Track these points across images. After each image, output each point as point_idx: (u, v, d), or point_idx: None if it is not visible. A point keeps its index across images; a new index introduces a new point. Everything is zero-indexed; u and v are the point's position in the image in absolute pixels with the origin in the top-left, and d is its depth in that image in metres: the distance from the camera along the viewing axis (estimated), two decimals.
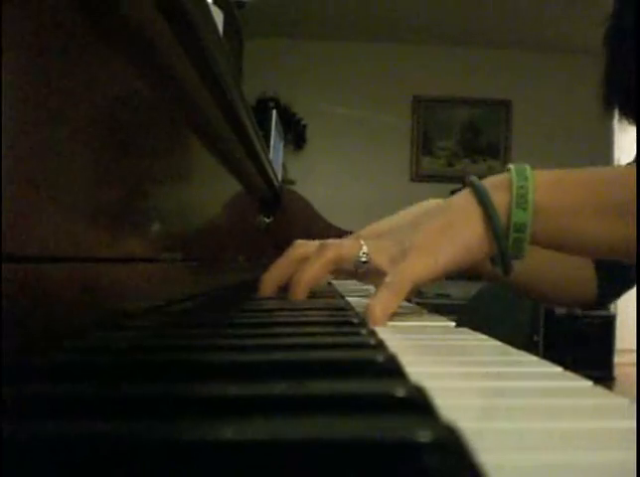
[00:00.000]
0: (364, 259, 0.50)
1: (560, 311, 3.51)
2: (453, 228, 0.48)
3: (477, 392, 0.24)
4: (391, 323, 0.45)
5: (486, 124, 4.23)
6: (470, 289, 1.78)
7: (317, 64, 4.15)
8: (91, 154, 0.35)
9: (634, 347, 3.09)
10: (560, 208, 0.47)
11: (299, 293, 0.52)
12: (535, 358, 0.30)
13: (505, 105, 4.21)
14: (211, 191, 0.73)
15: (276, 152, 3.04)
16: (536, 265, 0.71)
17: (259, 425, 0.15)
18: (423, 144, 4.23)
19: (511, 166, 0.48)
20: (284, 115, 3.77)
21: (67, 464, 0.13)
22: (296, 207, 1.41)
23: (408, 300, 0.57)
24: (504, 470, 0.14)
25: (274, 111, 3.07)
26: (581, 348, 3.47)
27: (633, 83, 0.67)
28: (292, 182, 3.70)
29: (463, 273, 0.53)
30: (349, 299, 0.63)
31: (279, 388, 0.19)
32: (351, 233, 0.67)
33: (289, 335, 0.33)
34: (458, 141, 4.23)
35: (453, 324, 0.46)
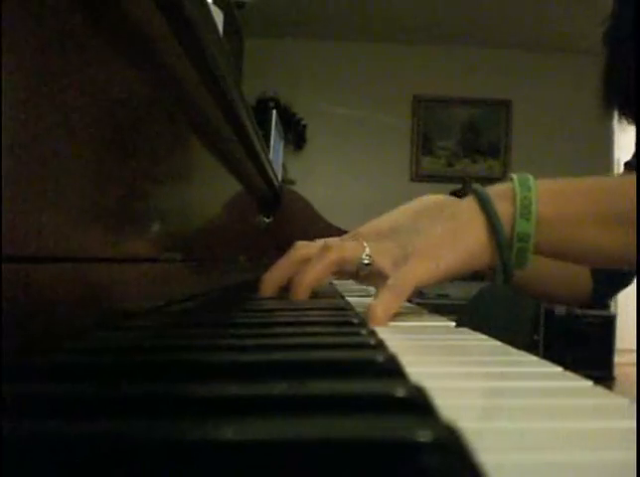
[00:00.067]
0: (366, 262, 0.50)
1: (559, 311, 3.51)
2: (456, 234, 0.48)
3: (477, 392, 0.24)
4: (391, 323, 0.45)
5: (486, 124, 4.23)
6: (470, 289, 1.78)
7: (317, 64, 4.15)
8: (91, 154, 0.35)
9: (634, 347, 3.09)
10: (562, 218, 0.48)
11: (300, 294, 0.52)
12: (535, 358, 0.30)
13: (505, 105, 4.21)
14: (211, 191, 0.73)
15: (276, 152, 3.04)
16: (534, 265, 0.72)
17: (259, 425, 0.15)
18: (423, 144, 4.23)
19: (513, 176, 0.49)
20: (284, 115, 3.77)
21: (67, 464, 0.13)
22: (296, 207, 1.41)
23: (409, 300, 0.57)
24: (504, 470, 0.14)
25: (274, 111, 3.07)
26: (581, 348, 3.47)
27: (632, 83, 0.67)
28: (292, 182, 3.70)
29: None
30: (349, 299, 0.63)
31: (279, 388, 0.19)
32: None
33: (289, 335, 0.33)
34: (458, 141, 4.23)
35: (453, 324, 0.46)
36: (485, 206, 0.48)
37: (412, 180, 4.19)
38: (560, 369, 0.27)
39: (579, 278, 0.78)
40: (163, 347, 0.30)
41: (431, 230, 0.49)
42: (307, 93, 4.10)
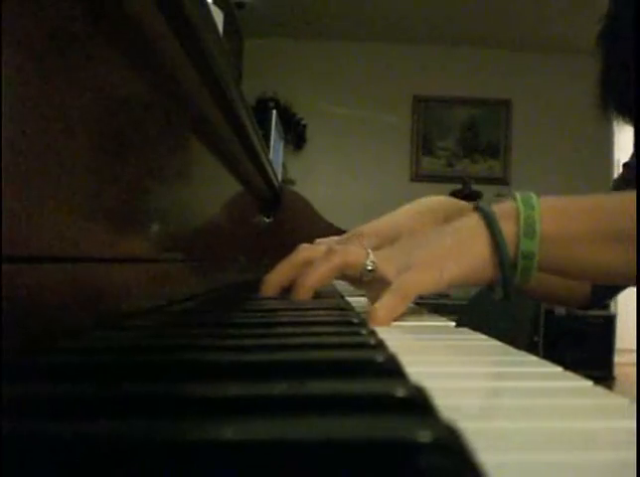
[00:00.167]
0: (370, 268, 0.50)
1: (559, 311, 3.51)
2: (461, 248, 0.49)
3: (477, 392, 0.24)
4: (391, 323, 0.45)
5: (486, 124, 4.23)
6: (470, 289, 1.78)
7: (317, 64, 4.15)
8: (91, 154, 0.35)
9: (634, 347, 3.09)
10: (564, 236, 0.49)
11: (302, 295, 0.52)
12: (535, 358, 0.30)
13: (505, 105, 4.21)
14: (211, 191, 0.73)
15: (276, 152, 3.04)
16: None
17: (260, 425, 0.15)
18: (423, 144, 4.23)
19: (517, 194, 0.50)
20: (284, 115, 3.77)
21: (66, 464, 0.13)
22: (296, 207, 1.41)
23: None
24: (504, 470, 0.14)
25: (274, 111, 3.07)
26: (581, 348, 3.47)
27: (631, 83, 0.67)
28: (292, 182, 3.70)
29: None
30: (349, 299, 0.63)
31: (279, 387, 0.19)
32: None
33: (289, 335, 0.33)
34: (458, 141, 4.23)
35: (453, 324, 0.46)
36: (490, 223, 0.49)
37: (412, 180, 4.19)
38: (559, 369, 0.27)
39: (579, 283, 0.78)
40: (163, 347, 0.30)
41: (436, 241, 0.50)
42: (307, 93, 4.10)
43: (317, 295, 0.54)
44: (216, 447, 0.14)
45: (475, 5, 3.60)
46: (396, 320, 0.46)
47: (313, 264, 0.53)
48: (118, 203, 0.40)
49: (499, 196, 3.68)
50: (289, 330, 0.36)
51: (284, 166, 3.74)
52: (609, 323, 3.58)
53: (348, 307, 0.53)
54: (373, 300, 0.48)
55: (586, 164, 3.97)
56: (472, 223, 0.50)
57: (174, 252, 0.55)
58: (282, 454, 0.14)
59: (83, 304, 0.33)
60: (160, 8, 0.42)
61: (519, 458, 0.15)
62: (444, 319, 0.50)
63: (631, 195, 0.48)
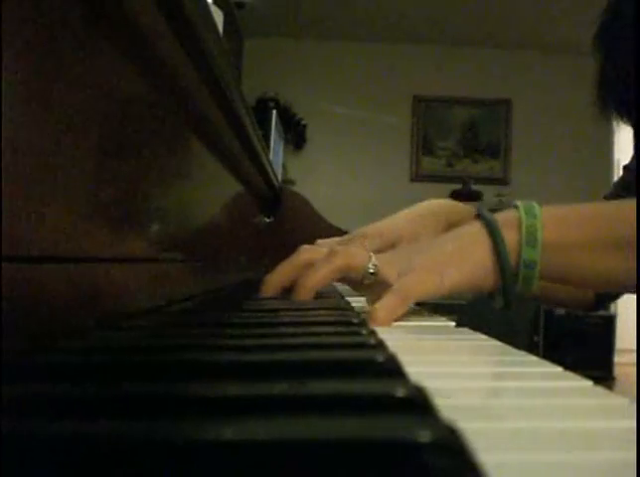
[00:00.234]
0: (372, 271, 0.50)
1: (559, 311, 3.51)
2: (463, 255, 0.50)
3: (477, 391, 0.24)
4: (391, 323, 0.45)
5: (486, 124, 4.23)
6: (468, 295, 1.78)
7: (317, 64, 4.15)
8: (91, 154, 0.35)
9: (634, 347, 3.09)
10: (565, 244, 0.50)
11: (303, 296, 0.52)
12: (535, 358, 0.30)
13: (505, 105, 4.21)
14: (211, 191, 0.73)
15: (276, 152, 3.04)
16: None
17: (259, 425, 0.15)
18: (423, 144, 4.23)
19: (519, 203, 0.50)
20: (284, 115, 3.77)
21: (66, 464, 0.13)
22: (296, 207, 1.41)
23: None
24: (504, 470, 0.14)
25: (274, 111, 3.07)
26: (581, 348, 3.47)
27: (631, 83, 0.67)
28: (292, 182, 3.70)
29: None
30: (349, 299, 0.63)
31: (279, 387, 0.19)
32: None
33: (289, 335, 0.33)
34: (458, 141, 4.23)
35: (453, 324, 0.46)
36: (493, 231, 0.49)
37: (412, 180, 4.19)
38: (560, 369, 0.27)
39: (580, 288, 0.78)
40: (163, 347, 0.30)
41: (438, 247, 0.51)
42: (307, 93, 4.10)
43: (317, 295, 0.54)
44: (216, 447, 0.14)
45: (475, 5, 3.60)
46: (395, 321, 0.46)
47: (314, 266, 0.53)
48: (118, 203, 0.40)
49: (499, 196, 3.68)
50: (289, 330, 0.36)
51: (284, 166, 3.74)
52: (609, 323, 3.58)
53: (348, 307, 0.53)
54: (373, 303, 0.48)
55: (586, 164, 3.97)
56: (474, 230, 0.50)
57: (174, 252, 0.55)
58: (282, 454, 0.14)
59: (83, 304, 0.33)
60: (160, 8, 0.42)
61: (519, 458, 0.15)
62: (444, 319, 0.50)
63: (631, 203, 0.48)
